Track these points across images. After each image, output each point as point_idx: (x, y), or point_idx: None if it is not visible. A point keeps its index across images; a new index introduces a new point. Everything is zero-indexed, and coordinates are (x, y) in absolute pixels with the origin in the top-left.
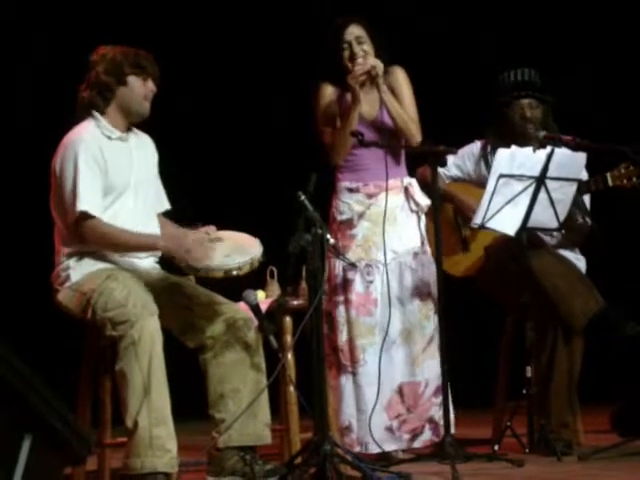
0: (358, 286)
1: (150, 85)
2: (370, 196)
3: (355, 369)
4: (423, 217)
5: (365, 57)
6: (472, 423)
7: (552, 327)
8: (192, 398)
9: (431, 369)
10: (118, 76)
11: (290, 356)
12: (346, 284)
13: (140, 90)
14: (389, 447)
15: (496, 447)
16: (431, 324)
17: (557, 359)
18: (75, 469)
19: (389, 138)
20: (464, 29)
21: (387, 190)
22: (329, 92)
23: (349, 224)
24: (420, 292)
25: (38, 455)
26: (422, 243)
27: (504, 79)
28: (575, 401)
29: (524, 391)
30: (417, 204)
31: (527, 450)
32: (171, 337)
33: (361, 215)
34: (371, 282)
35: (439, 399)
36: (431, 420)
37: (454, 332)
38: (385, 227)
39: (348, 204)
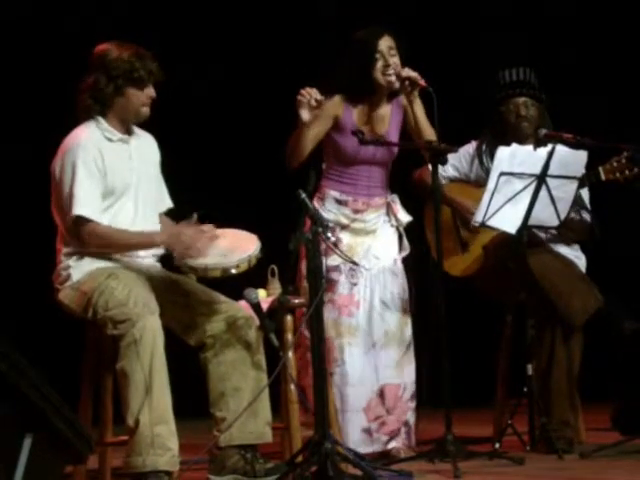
0: (342, 287)
1: (149, 92)
2: (357, 212)
3: (334, 368)
4: (402, 232)
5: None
6: (473, 421)
7: (551, 325)
8: (193, 397)
9: (410, 374)
10: (115, 87)
11: (291, 354)
12: (330, 284)
13: (137, 100)
14: (365, 449)
15: (497, 445)
16: (408, 329)
17: (556, 357)
18: (76, 468)
19: (392, 154)
20: (464, 28)
21: (390, 206)
22: (337, 104)
23: (331, 230)
24: (400, 296)
25: (39, 454)
26: (399, 254)
27: (501, 78)
28: (576, 399)
29: (525, 389)
30: (398, 220)
31: (528, 448)
32: (172, 335)
33: (344, 227)
34: (355, 285)
35: (414, 404)
36: (406, 424)
37: (454, 331)
38: (365, 239)
39: (334, 214)
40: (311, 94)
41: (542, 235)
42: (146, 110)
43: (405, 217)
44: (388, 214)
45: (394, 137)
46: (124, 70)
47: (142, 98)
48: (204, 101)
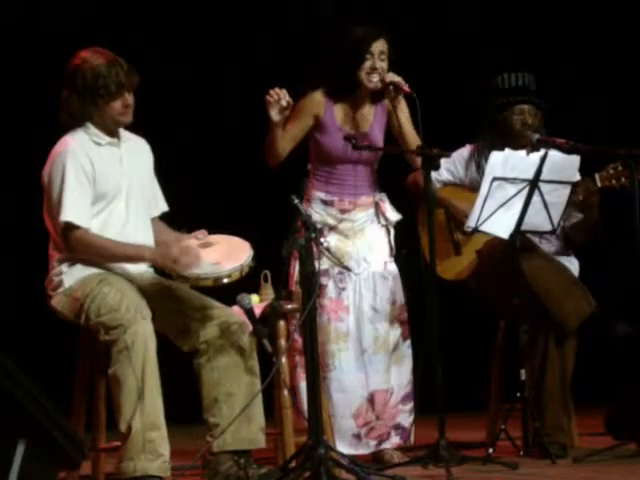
0: (331, 291)
1: (123, 101)
2: (343, 211)
3: (325, 373)
4: (392, 230)
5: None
6: (466, 426)
7: (544, 330)
8: (186, 402)
9: (397, 376)
10: (87, 102)
11: (284, 360)
12: (319, 289)
13: (111, 110)
14: (352, 451)
15: (490, 450)
16: (396, 332)
17: (549, 362)
18: (69, 474)
19: (377, 153)
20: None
21: (379, 205)
22: (318, 102)
23: (320, 233)
24: (390, 300)
25: (32, 460)
26: (390, 255)
27: (502, 82)
28: (569, 403)
29: (518, 394)
30: (386, 219)
31: (521, 453)
32: (165, 341)
33: (332, 228)
34: (343, 289)
35: (407, 406)
36: (398, 426)
37: (447, 336)
38: (354, 241)
39: (321, 215)
40: (279, 95)
41: (536, 240)
42: (124, 118)
43: (394, 216)
44: (377, 213)
45: (377, 136)
46: (90, 86)
47: (116, 108)
48: (200, 106)
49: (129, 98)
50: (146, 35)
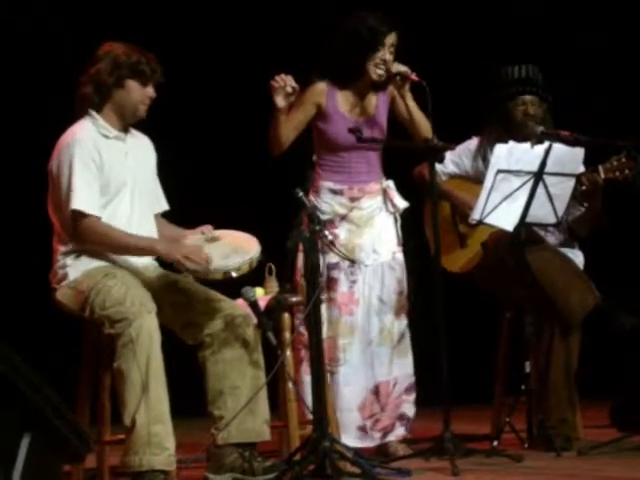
0: (343, 285)
1: (149, 90)
2: (353, 199)
3: (334, 367)
4: (399, 219)
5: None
6: (471, 419)
7: (549, 322)
8: (191, 395)
9: (401, 367)
10: (117, 78)
11: (289, 353)
12: (330, 283)
13: (137, 95)
14: (358, 444)
15: (495, 443)
16: (401, 322)
17: (554, 354)
18: (74, 467)
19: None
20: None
21: (387, 192)
22: (319, 92)
23: (330, 224)
24: (396, 291)
25: (37, 453)
26: (398, 244)
27: (506, 74)
28: (574, 396)
29: (523, 386)
30: (394, 206)
31: (526, 445)
32: (170, 334)
33: (343, 217)
34: (354, 282)
35: (411, 397)
36: (402, 417)
37: (452, 328)
38: (365, 230)
39: (330, 205)
40: (285, 80)
41: (542, 232)
42: (143, 109)
43: (401, 203)
44: (385, 201)
45: (382, 121)
46: (129, 62)
47: (142, 94)
48: (201, 102)
49: (152, 91)
50: (145, 31)
